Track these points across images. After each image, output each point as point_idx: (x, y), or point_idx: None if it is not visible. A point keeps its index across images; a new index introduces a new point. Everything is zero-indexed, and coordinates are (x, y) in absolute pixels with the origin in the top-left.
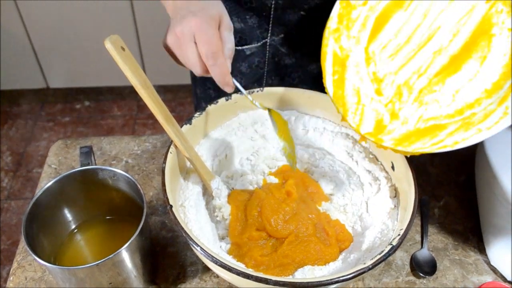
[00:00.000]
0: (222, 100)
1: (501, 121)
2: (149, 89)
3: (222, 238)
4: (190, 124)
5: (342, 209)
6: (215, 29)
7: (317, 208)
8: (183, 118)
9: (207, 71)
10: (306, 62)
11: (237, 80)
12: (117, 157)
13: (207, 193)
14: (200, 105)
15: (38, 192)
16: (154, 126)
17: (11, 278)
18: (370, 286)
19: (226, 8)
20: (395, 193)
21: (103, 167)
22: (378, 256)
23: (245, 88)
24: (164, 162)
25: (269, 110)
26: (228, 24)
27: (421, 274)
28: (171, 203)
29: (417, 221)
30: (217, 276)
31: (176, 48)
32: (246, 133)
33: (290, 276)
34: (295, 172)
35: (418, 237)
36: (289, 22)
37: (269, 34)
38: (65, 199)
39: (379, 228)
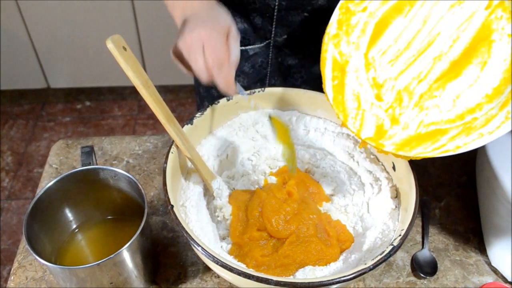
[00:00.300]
0: (223, 101)
1: (503, 125)
2: (151, 88)
3: (223, 238)
4: (192, 124)
5: (343, 210)
6: (223, 40)
7: (318, 209)
8: (184, 119)
9: (212, 79)
10: (309, 63)
11: (239, 81)
12: (118, 157)
13: (208, 193)
14: (202, 104)
15: (39, 191)
16: (154, 126)
17: (12, 278)
18: (371, 286)
19: (230, 9)
20: (396, 194)
21: (104, 167)
22: (379, 257)
23: (248, 88)
24: (165, 162)
25: (270, 117)
26: (235, 34)
27: (422, 275)
28: (172, 203)
29: (418, 222)
30: (218, 276)
31: (185, 56)
32: (247, 133)
33: (291, 277)
34: (295, 173)
35: (419, 238)
36: (293, 23)
37: (272, 35)
38: (66, 199)
39: (380, 228)
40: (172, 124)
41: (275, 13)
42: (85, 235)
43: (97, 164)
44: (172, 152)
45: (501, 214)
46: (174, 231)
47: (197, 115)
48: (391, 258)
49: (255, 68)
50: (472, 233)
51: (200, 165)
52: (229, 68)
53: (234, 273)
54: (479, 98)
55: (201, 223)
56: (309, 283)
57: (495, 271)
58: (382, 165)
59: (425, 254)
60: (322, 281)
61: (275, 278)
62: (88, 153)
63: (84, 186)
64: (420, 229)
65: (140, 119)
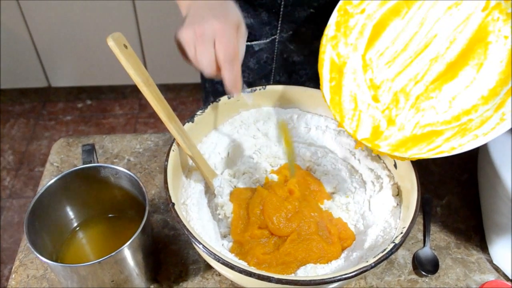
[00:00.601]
0: (224, 98)
1: (498, 127)
2: (152, 86)
3: (224, 236)
4: (193, 122)
5: (345, 208)
6: (235, 36)
7: (319, 207)
8: (185, 117)
9: (217, 73)
10: (314, 59)
11: (244, 76)
12: (119, 155)
13: (209, 191)
14: (207, 99)
15: (41, 189)
16: (155, 125)
17: (13, 276)
18: (372, 284)
19: (236, 4)
20: (398, 192)
21: (105, 165)
22: (381, 255)
23: (253, 84)
24: (166, 160)
25: (279, 123)
26: (244, 32)
27: (423, 273)
28: (173, 201)
29: (420, 220)
30: (219, 274)
31: (190, 45)
32: (248, 131)
33: (292, 274)
34: (297, 171)
35: (420, 236)
36: (298, 19)
37: (278, 31)
38: (67, 197)
39: (382, 226)
40: (173, 122)
41: (282, 9)
42: (86, 233)
43: (98, 162)
44: (173, 150)
45: (503, 212)
46: (175, 229)
47: (198, 112)
48: (393, 256)
49: (260, 64)
50: (473, 231)
51: (201, 163)
52: (239, 66)
53: (236, 271)
54: (475, 99)
55: (202, 221)
56: (310, 280)
57: (496, 269)
58: (384, 163)
59: (426, 252)
60: (324, 279)
61: (276, 276)
62: (89, 151)
63: (85, 184)
64: (421, 227)
65: (141, 118)
